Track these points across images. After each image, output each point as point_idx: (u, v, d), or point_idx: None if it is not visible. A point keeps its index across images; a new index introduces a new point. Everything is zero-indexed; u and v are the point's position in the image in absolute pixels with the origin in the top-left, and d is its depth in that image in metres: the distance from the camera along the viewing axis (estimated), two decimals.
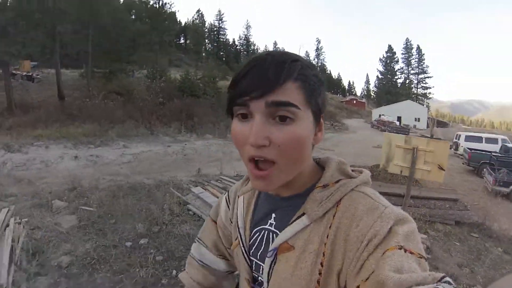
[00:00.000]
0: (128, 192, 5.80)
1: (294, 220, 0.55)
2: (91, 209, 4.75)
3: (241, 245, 0.64)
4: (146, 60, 22.88)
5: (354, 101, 58.40)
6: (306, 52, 76.00)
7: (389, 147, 4.11)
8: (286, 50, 0.56)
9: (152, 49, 24.06)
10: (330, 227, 0.52)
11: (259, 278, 0.62)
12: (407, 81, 65.51)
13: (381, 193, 0.57)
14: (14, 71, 20.90)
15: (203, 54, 56.64)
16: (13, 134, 12.87)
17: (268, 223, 0.61)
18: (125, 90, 18.80)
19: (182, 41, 57.31)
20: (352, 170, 0.60)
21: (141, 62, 23.00)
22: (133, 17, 26.23)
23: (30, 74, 22.39)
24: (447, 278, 0.40)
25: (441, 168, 3.73)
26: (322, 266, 0.51)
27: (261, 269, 0.60)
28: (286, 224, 0.57)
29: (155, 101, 17.87)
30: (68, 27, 18.38)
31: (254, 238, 0.63)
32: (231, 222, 0.73)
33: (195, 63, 38.94)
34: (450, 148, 12.15)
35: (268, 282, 0.58)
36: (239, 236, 0.65)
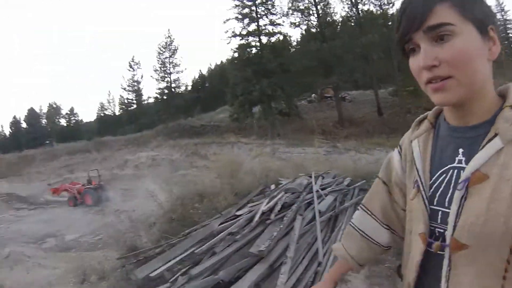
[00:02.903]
0: None
1: (486, 144, 0.50)
2: None
3: (422, 189, 0.58)
4: None
5: None
6: None
7: None
8: None
9: None
10: None
11: (437, 230, 0.55)
12: None
13: None
14: (326, 95, 27.65)
15: None
16: (351, 141, 18.06)
17: (456, 161, 0.54)
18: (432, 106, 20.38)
19: None
20: None
21: None
22: None
23: (342, 96, 28.82)
24: None
25: None
26: None
27: (446, 218, 0.53)
28: None
29: None
30: (377, 54, 23.10)
31: (438, 182, 0.56)
32: (405, 171, 0.66)
33: None
34: None
35: (454, 226, 0.50)
36: (418, 180, 0.59)
